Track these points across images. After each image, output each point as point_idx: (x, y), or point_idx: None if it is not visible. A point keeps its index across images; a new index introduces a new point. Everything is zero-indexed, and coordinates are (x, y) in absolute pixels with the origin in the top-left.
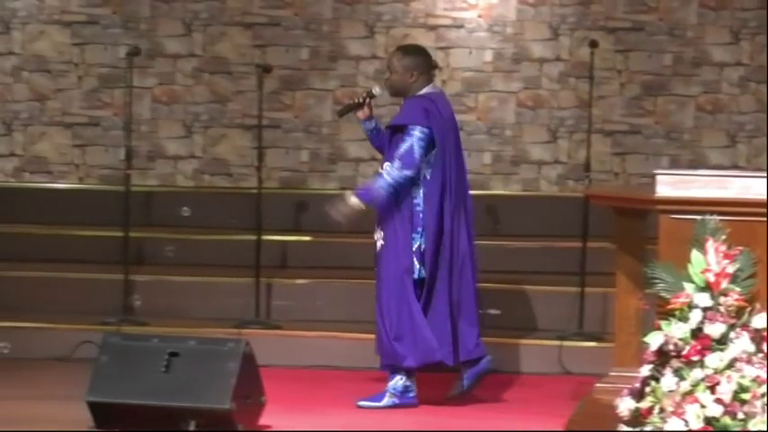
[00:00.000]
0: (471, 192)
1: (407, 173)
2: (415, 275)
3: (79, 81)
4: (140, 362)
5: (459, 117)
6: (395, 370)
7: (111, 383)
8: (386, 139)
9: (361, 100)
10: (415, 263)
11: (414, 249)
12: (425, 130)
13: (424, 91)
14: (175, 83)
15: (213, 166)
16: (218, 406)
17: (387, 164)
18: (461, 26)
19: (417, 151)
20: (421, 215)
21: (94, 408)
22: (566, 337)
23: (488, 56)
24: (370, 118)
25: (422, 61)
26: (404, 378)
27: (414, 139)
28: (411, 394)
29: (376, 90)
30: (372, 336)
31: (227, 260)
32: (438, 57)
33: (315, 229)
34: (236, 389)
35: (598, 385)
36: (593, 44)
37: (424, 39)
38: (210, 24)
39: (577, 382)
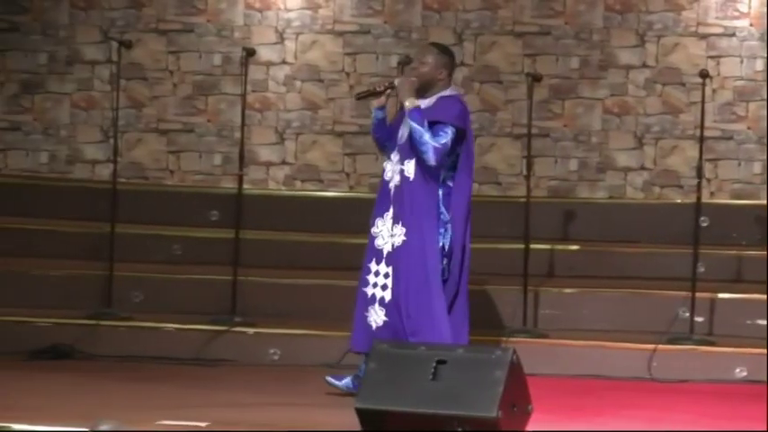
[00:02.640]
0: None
1: (432, 160)
2: (442, 274)
3: (351, 90)
4: (408, 369)
5: (726, 126)
6: None
7: (379, 390)
8: (396, 135)
9: (381, 88)
10: (439, 261)
11: (440, 246)
12: (456, 131)
13: (454, 92)
14: None
15: (481, 174)
16: (485, 414)
17: (432, 140)
18: (733, 35)
19: (445, 152)
20: (443, 216)
21: (363, 414)
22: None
23: (759, 65)
24: (383, 108)
25: (452, 62)
26: None
27: (449, 135)
28: None
29: (397, 82)
30: (643, 345)
31: (495, 269)
32: (708, 66)
33: (583, 239)
34: (503, 397)
35: None
36: None
37: (694, 47)
38: (481, 34)
39: None
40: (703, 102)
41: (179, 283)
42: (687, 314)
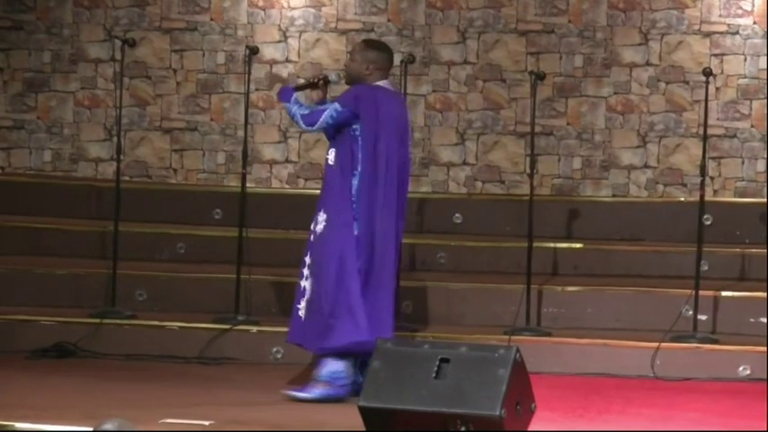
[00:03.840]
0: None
1: (302, 124)
2: (356, 262)
3: None
4: (412, 368)
5: (730, 125)
6: (326, 355)
7: (383, 389)
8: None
9: (315, 81)
10: (354, 249)
11: (353, 235)
12: (345, 111)
13: (384, 86)
14: (449, 90)
15: (486, 173)
16: (488, 412)
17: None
18: (736, 33)
19: (324, 118)
20: (355, 205)
21: (366, 413)
22: None
23: (763, 63)
24: (322, 101)
25: (381, 57)
26: (337, 362)
27: (331, 109)
28: (342, 382)
29: (332, 76)
30: (646, 343)
31: (499, 267)
32: (712, 64)
33: (587, 237)
34: (507, 396)
35: None
36: None
37: (698, 45)
38: (485, 32)
39: None
40: (707, 100)
41: (183, 282)
42: (691, 312)
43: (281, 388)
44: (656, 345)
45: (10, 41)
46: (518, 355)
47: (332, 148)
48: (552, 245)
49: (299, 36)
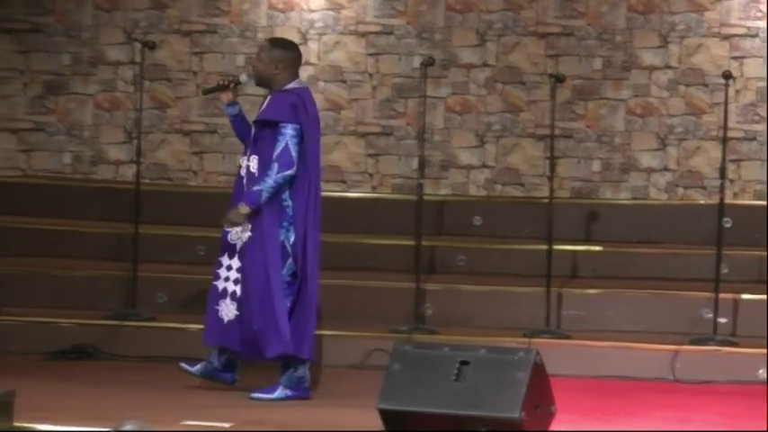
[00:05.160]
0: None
1: (288, 172)
2: (284, 270)
3: (374, 91)
4: (431, 370)
5: (750, 127)
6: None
7: (402, 391)
8: (251, 132)
9: (225, 83)
10: (287, 257)
11: (279, 241)
12: (297, 126)
13: (291, 86)
14: (469, 93)
15: (505, 175)
16: (508, 415)
17: (273, 167)
18: (756, 35)
19: (293, 149)
20: (288, 210)
21: (386, 415)
22: None
23: None
24: (233, 104)
25: (289, 56)
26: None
27: (287, 138)
28: (305, 384)
29: (243, 78)
30: (666, 346)
31: (518, 269)
32: (731, 67)
33: (606, 240)
34: (527, 398)
35: None
36: None
37: (717, 48)
38: (504, 35)
39: None
40: (726, 102)
41: (202, 284)
42: (710, 315)
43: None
44: (674, 347)
45: (30, 44)
46: (538, 358)
47: (253, 155)
48: (571, 247)
49: (319, 38)
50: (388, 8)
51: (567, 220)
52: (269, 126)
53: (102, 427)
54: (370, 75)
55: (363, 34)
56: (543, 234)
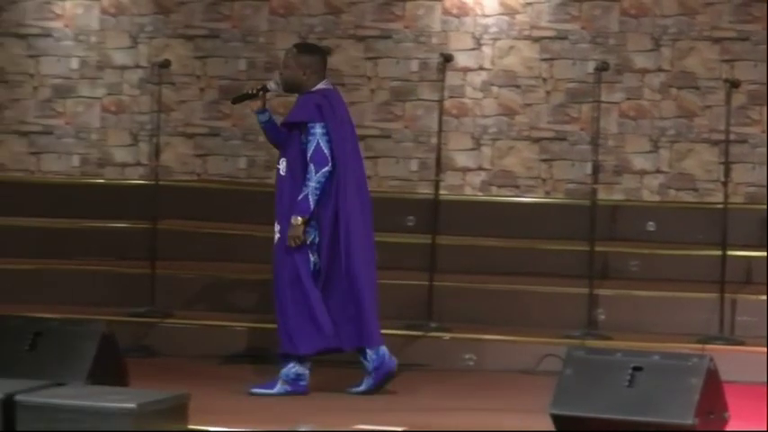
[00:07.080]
0: None
1: (325, 169)
2: (312, 267)
3: (547, 96)
4: (604, 376)
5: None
6: (287, 358)
7: (574, 397)
8: (283, 135)
9: (254, 92)
10: (310, 255)
11: (308, 242)
12: (323, 124)
13: (317, 87)
14: (643, 98)
15: (679, 180)
16: (681, 421)
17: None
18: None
19: (325, 146)
20: (314, 210)
21: (558, 420)
22: None
23: None
24: (263, 110)
25: (316, 60)
26: (296, 366)
27: (317, 136)
28: (303, 382)
29: (271, 85)
30: None
31: (691, 275)
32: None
33: None
34: (700, 404)
35: None
36: None
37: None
38: (679, 39)
39: None
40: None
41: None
42: None
43: (471, 394)
44: None
45: (206, 50)
46: (711, 364)
47: (282, 158)
48: (746, 253)
49: (493, 44)
50: (563, 13)
51: (742, 225)
52: (297, 128)
53: (278, 429)
54: (544, 80)
55: (537, 39)
56: (717, 239)
